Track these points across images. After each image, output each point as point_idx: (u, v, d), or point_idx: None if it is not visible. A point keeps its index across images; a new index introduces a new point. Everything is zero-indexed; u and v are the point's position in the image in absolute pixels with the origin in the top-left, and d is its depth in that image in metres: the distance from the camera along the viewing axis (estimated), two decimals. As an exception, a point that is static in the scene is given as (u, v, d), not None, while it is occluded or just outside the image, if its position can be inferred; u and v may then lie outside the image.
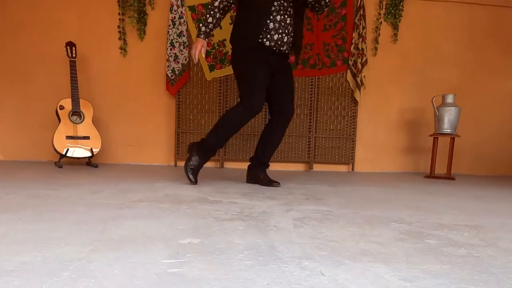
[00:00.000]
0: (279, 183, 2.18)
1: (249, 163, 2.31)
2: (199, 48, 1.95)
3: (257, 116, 2.98)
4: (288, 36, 2.03)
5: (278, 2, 1.97)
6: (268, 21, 1.96)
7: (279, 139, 2.25)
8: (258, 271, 0.81)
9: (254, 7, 1.97)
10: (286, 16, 2.00)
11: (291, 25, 2.03)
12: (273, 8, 1.96)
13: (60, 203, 1.47)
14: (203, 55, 2.03)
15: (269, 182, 2.19)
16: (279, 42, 2.01)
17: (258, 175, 2.24)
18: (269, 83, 2.09)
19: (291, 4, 2.02)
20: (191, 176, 2.06)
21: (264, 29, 1.97)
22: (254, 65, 2.03)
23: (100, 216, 1.26)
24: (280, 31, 1.99)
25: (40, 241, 0.96)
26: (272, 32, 1.98)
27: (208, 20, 1.97)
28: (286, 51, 2.09)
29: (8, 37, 3.06)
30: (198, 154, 2.07)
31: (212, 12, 1.97)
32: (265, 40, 1.99)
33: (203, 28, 1.98)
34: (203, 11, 3.11)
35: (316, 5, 2.07)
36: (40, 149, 3.10)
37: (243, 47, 2.05)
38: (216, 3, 1.97)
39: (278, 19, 1.98)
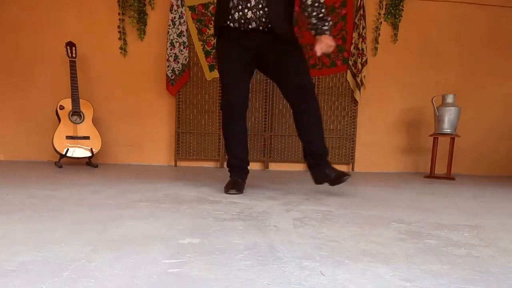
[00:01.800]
0: (349, 174, 1.82)
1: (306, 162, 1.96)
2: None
3: (254, 117, 2.96)
4: (254, 10, 1.71)
5: None
6: (229, 0, 1.73)
7: (313, 115, 1.85)
8: (258, 271, 0.81)
9: None
10: None
11: None
12: None
13: (60, 203, 1.47)
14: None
15: (338, 178, 1.80)
16: (242, 20, 1.74)
17: (323, 172, 1.84)
18: (264, 67, 1.87)
19: None
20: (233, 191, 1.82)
21: (227, 10, 1.74)
22: (222, 56, 1.84)
23: (100, 216, 1.26)
24: (240, 7, 1.72)
25: (40, 241, 0.96)
26: (232, 11, 1.73)
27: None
28: (261, 27, 1.76)
29: (8, 37, 3.06)
30: (230, 176, 1.92)
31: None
32: (228, 22, 1.76)
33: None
34: (203, 11, 3.11)
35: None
36: (40, 149, 3.10)
37: (216, 40, 1.87)
38: None
39: None
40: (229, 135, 1.90)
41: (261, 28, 1.77)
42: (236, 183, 1.86)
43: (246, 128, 1.92)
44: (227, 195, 1.80)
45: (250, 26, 1.76)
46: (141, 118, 3.24)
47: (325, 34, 1.77)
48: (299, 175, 2.89)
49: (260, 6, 1.72)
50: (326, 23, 1.78)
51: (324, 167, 1.84)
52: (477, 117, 3.47)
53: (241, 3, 1.71)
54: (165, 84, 3.16)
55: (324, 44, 1.75)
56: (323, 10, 1.78)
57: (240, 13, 1.73)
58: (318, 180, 1.88)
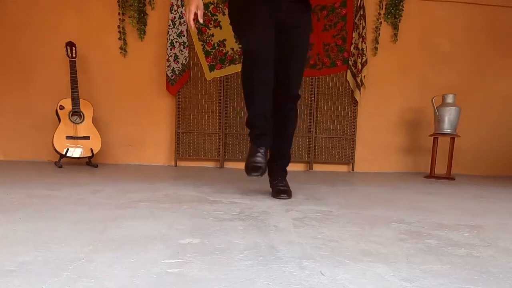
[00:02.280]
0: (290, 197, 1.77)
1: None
2: (193, 11, 1.55)
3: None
4: None
5: None
6: None
7: (291, 126, 1.79)
8: (258, 271, 0.81)
9: None
10: None
11: None
12: None
13: (60, 203, 1.47)
14: (201, 21, 1.65)
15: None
16: None
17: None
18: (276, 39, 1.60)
19: None
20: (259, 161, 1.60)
21: None
22: (241, 11, 1.63)
23: (100, 216, 1.26)
24: None
25: (40, 241, 0.96)
26: None
27: None
28: None
29: (8, 37, 3.06)
30: (251, 142, 1.66)
31: None
32: None
33: None
34: (203, 11, 3.11)
35: None
36: (40, 149, 3.10)
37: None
38: None
39: None
40: (254, 83, 1.56)
41: None
42: (259, 160, 1.59)
43: (272, 80, 1.60)
44: (227, 195, 1.79)
45: None
46: (141, 118, 3.24)
47: None
48: (299, 175, 2.89)
49: None
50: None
51: (284, 179, 1.86)
52: (477, 117, 3.47)
53: None
54: (165, 84, 3.16)
55: None
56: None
57: None
58: (280, 191, 1.81)
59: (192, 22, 1.57)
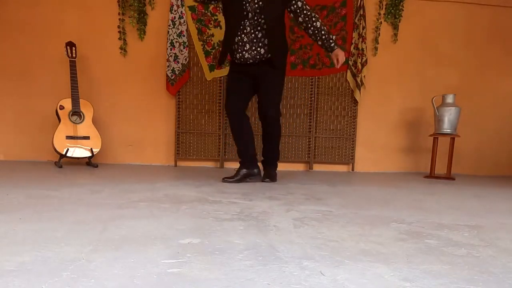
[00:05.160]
0: (275, 180, 2.41)
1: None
2: None
3: (254, 117, 3.01)
4: (250, 52, 2.17)
5: (244, 22, 2.13)
6: (231, 44, 2.20)
7: (274, 140, 2.41)
8: (258, 271, 0.81)
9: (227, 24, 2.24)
10: (249, 32, 2.15)
11: (255, 39, 2.16)
12: (239, 27, 2.16)
13: (60, 203, 1.47)
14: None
15: (273, 178, 2.42)
16: (242, 60, 2.21)
17: (269, 172, 2.44)
18: (256, 89, 2.30)
19: (259, 20, 2.13)
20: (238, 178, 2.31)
21: (232, 52, 2.23)
22: (229, 77, 2.37)
23: (100, 216, 1.26)
24: (239, 50, 2.18)
25: (40, 241, 0.96)
26: (235, 53, 2.21)
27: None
28: (256, 61, 2.20)
29: (8, 37, 3.06)
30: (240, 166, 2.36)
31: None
32: (234, 59, 2.26)
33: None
34: (203, 11, 3.11)
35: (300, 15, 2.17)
36: (40, 149, 3.10)
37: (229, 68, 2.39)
38: None
39: (242, 37, 2.17)
40: (234, 134, 2.36)
41: (256, 62, 2.20)
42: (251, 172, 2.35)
43: (249, 127, 2.36)
44: (227, 195, 1.80)
45: (247, 62, 2.21)
46: (141, 118, 3.23)
47: (334, 49, 2.19)
48: (299, 175, 2.89)
49: (254, 47, 2.16)
50: (331, 41, 2.18)
51: (271, 170, 2.45)
52: (477, 117, 3.47)
53: (239, 48, 2.18)
54: (165, 84, 3.16)
55: (339, 57, 2.17)
56: (323, 33, 2.17)
57: (239, 54, 2.19)
58: (265, 176, 2.41)
59: None
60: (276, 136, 2.40)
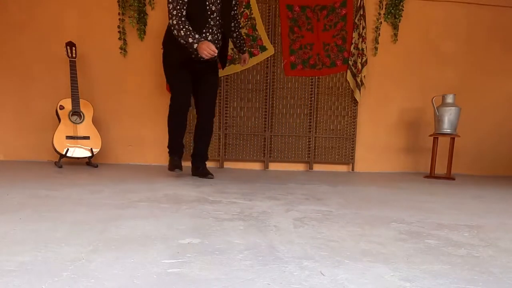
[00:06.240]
0: (212, 176, 2.49)
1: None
2: (212, 48, 2.18)
3: (254, 117, 2.99)
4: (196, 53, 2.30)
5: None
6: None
7: (208, 135, 2.64)
8: (258, 271, 0.81)
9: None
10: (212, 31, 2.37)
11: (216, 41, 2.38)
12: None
13: (60, 203, 1.47)
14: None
15: (205, 174, 2.51)
16: (193, 55, 2.34)
17: (198, 169, 2.56)
18: (197, 84, 2.52)
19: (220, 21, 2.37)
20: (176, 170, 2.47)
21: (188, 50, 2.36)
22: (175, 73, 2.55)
23: (100, 216, 1.26)
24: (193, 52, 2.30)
25: (40, 241, 0.96)
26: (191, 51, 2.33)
27: (188, 33, 2.25)
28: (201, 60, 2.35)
29: (8, 37, 3.05)
30: (169, 155, 2.61)
31: (185, 27, 2.29)
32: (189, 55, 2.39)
33: (196, 36, 2.24)
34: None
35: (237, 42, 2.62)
36: (40, 149, 3.10)
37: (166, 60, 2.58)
38: (179, 20, 2.34)
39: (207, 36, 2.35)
40: (172, 122, 2.65)
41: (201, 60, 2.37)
42: (178, 163, 2.50)
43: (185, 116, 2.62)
44: (227, 195, 1.80)
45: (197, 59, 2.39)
46: (141, 118, 3.23)
47: (245, 52, 2.72)
48: (299, 175, 2.89)
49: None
50: (244, 46, 2.68)
51: (201, 166, 2.57)
52: (477, 117, 3.47)
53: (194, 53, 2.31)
54: (165, 84, 3.16)
55: (246, 59, 2.76)
56: (241, 38, 2.64)
57: (193, 55, 2.34)
58: (195, 172, 2.57)
59: (214, 51, 2.20)
60: (212, 132, 2.68)
